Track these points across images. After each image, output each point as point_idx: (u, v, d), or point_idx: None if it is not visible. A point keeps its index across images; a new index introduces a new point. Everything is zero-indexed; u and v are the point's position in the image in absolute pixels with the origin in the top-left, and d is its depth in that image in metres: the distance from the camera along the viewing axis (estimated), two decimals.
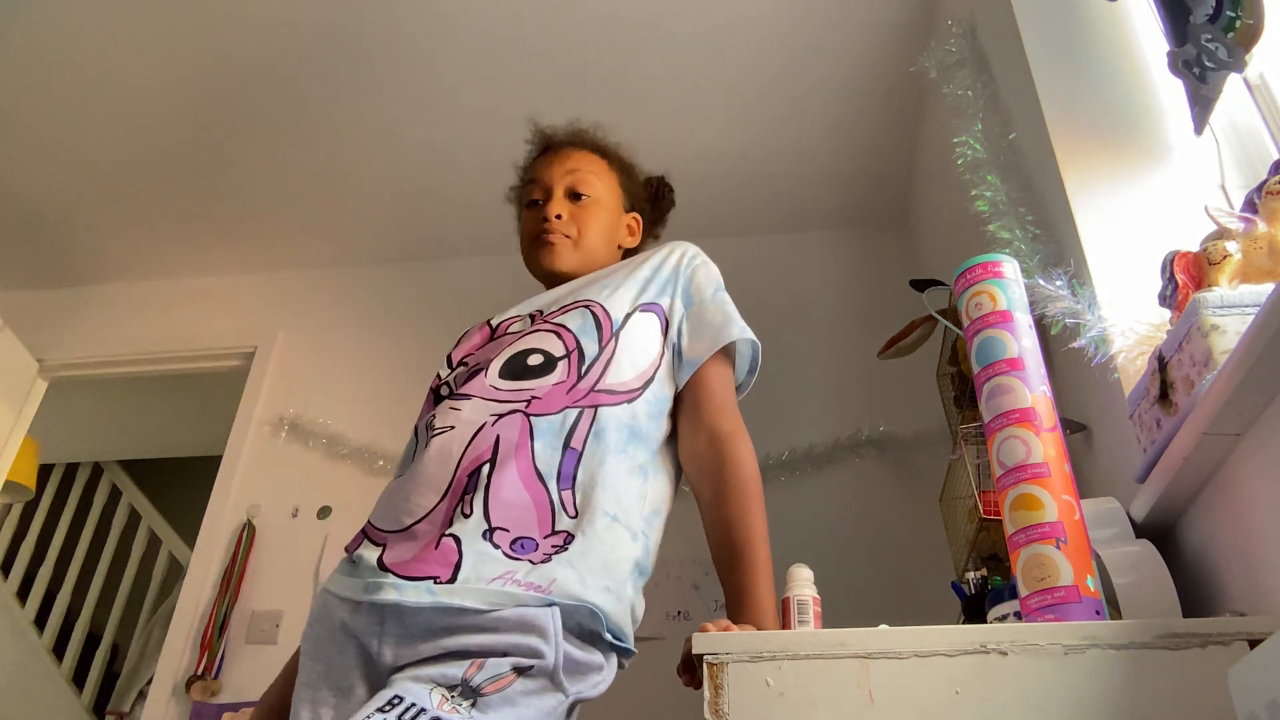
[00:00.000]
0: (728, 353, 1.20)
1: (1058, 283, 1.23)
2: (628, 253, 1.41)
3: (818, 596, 1.04)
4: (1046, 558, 0.86)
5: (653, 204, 1.49)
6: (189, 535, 3.24)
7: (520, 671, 0.89)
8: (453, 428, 1.05)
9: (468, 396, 1.09)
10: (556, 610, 0.92)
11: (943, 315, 1.93)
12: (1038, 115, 1.48)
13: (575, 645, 0.93)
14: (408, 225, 3.03)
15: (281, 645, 2.49)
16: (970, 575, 1.43)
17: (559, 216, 1.30)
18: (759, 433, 2.82)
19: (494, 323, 1.27)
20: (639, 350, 1.15)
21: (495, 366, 1.12)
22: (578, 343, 1.13)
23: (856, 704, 0.78)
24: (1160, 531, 1.04)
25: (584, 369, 1.11)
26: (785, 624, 1.02)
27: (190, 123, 2.63)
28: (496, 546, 0.96)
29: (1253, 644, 0.75)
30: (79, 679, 3.95)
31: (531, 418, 1.05)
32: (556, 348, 1.13)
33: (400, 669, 0.92)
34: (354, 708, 0.93)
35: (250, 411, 2.91)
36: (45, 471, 4.24)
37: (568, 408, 1.07)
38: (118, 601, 4.11)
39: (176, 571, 4.02)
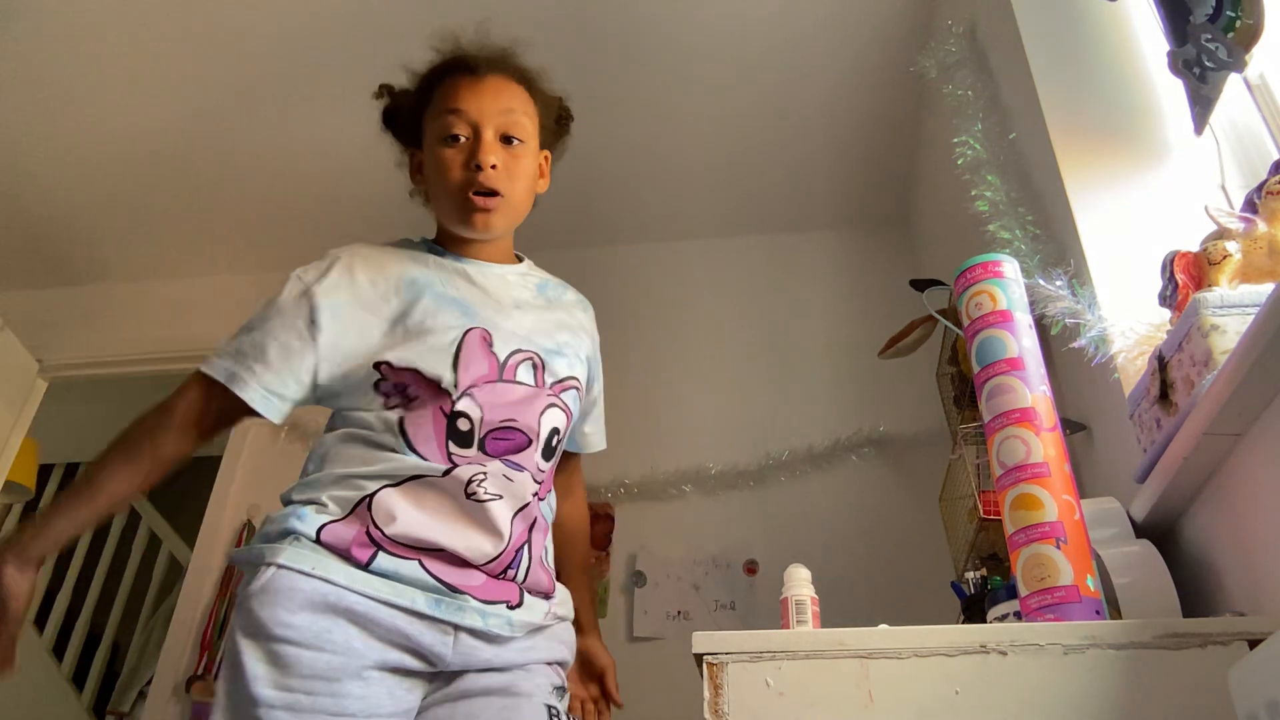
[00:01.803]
0: None
1: (1058, 283, 1.23)
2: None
3: (815, 596, 1.04)
4: (1046, 557, 0.86)
5: (557, 138, 1.30)
6: (189, 535, 3.24)
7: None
8: (501, 497, 1.05)
9: (520, 468, 1.08)
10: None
11: (943, 315, 1.92)
12: (1038, 115, 1.48)
13: None
14: (407, 226, 3.02)
15: None
16: (970, 575, 1.43)
17: (494, 166, 1.12)
18: (759, 433, 2.80)
19: (498, 351, 1.09)
20: None
21: (540, 445, 1.10)
22: (568, 429, 1.19)
23: (856, 704, 0.78)
24: (1160, 531, 1.04)
25: (558, 455, 1.18)
26: (784, 624, 1.02)
27: (191, 123, 2.63)
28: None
29: (1253, 644, 0.75)
30: (79, 679, 3.94)
31: (540, 503, 1.12)
32: (562, 431, 1.16)
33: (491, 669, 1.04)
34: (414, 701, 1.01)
35: None
36: (45, 471, 4.23)
37: (547, 494, 1.15)
38: (118, 601, 4.10)
39: (176, 571, 4.01)
